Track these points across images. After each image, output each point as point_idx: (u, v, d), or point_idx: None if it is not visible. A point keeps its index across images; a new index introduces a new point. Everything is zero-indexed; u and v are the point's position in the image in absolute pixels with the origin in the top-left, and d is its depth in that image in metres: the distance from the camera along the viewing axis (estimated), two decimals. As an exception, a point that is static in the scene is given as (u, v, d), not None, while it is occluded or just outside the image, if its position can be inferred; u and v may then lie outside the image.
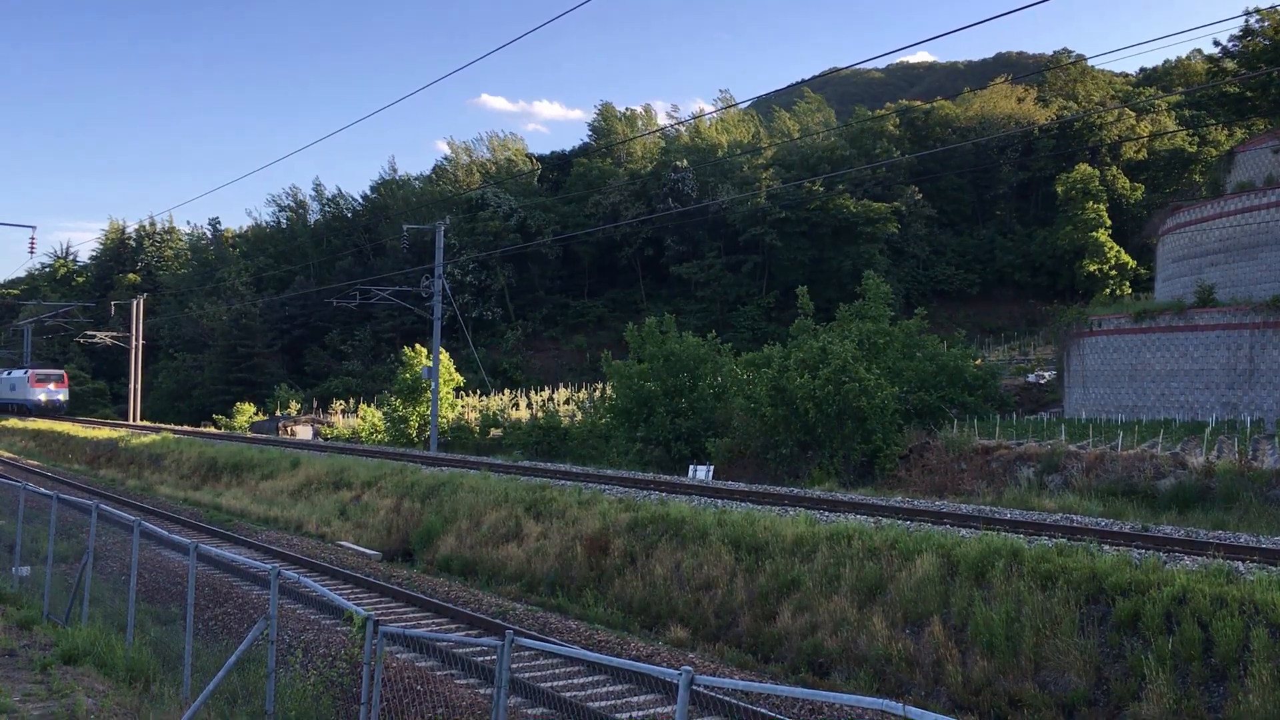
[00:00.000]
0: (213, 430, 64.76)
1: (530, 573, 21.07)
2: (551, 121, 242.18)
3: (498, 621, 16.87)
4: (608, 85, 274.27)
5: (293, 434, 59.68)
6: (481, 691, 13.13)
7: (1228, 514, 21.53)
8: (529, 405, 63.74)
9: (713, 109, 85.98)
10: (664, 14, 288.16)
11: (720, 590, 17.37)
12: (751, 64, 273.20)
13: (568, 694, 13.17)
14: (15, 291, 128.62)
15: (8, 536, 19.12)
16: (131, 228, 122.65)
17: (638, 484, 26.85)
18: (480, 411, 58.70)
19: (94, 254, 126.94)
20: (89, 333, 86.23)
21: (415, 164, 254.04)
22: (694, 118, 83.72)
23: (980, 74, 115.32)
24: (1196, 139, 75.67)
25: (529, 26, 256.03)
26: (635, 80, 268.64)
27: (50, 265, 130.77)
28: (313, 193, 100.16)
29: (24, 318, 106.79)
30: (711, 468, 34.09)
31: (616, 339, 66.37)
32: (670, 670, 6.38)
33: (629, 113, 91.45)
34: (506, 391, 69.36)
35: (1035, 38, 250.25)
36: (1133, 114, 76.88)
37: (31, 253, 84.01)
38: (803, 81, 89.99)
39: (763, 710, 12.32)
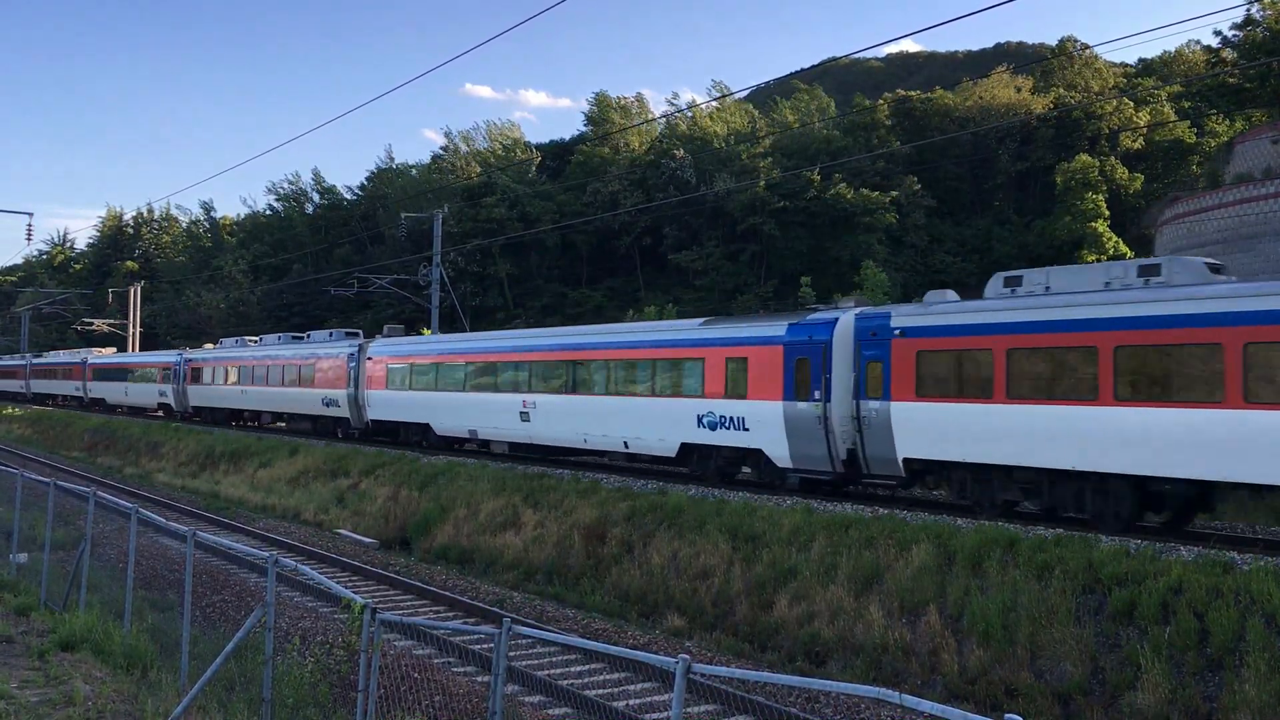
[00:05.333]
0: None
1: (528, 561, 21.10)
2: (539, 110, 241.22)
3: (495, 610, 16.91)
4: (596, 75, 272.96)
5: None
6: (479, 679, 13.15)
7: (1223, 504, 21.53)
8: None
9: (707, 99, 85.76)
10: (652, 3, 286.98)
11: (717, 579, 17.39)
12: (745, 55, 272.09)
13: (565, 682, 13.21)
14: (12, 279, 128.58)
15: (5, 523, 19.12)
16: (129, 215, 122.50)
17: (636, 473, 26.84)
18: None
19: (91, 241, 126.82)
20: (86, 320, 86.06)
21: (405, 153, 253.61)
22: (690, 106, 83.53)
23: (980, 64, 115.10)
24: (1195, 130, 75.60)
25: (515, 15, 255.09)
26: (624, 70, 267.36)
27: (47, 252, 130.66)
28: (311, 181, 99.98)
29: (21, 305, 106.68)
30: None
31: (614, 328, 66.13)
32: (667, 659, 6.39)
33: (621, 101, 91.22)
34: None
35: (1034, 28, 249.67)
36: (1131, 104, 76.74)
37: (29, 240, 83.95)
38: (800, 71, 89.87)
39: (759, 699, 12.36)
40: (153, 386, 54.47)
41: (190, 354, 52.08)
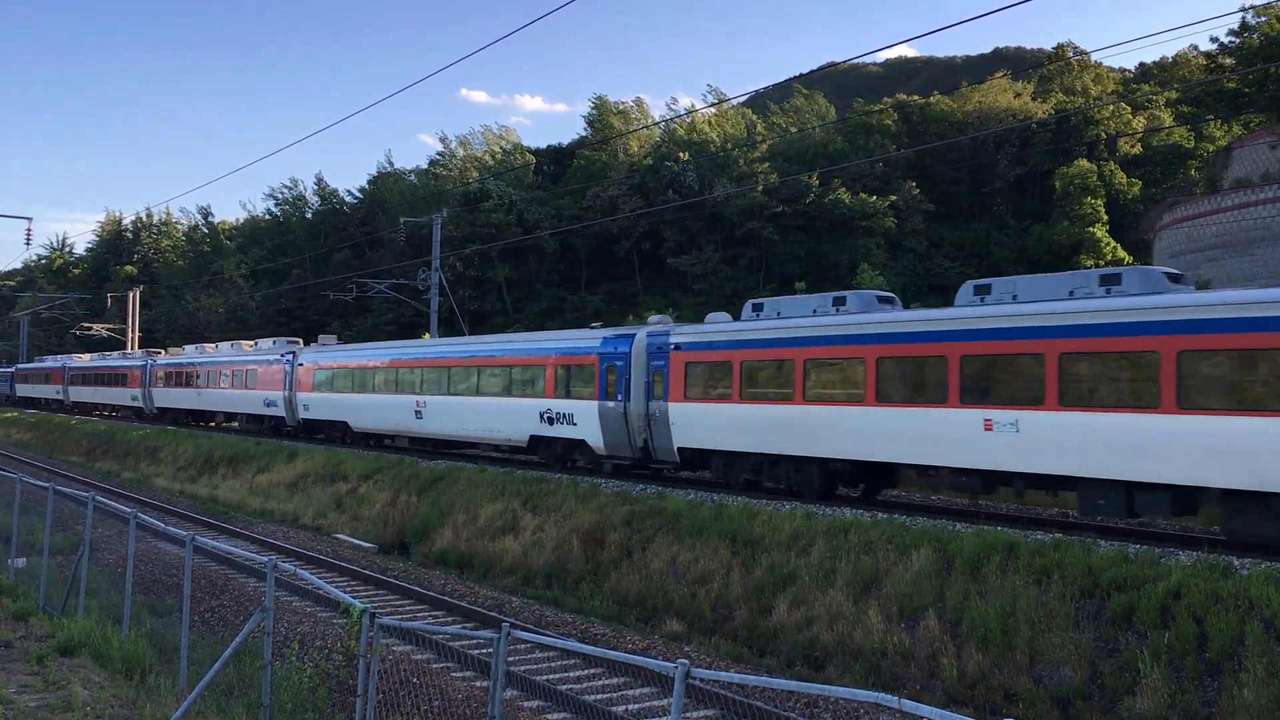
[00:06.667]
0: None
1: (526, 566, 21.08)
2: (534, 114, 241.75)
3: (494, 614, 16.90)
4: (592, 79, 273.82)
5: None
6: (478, 684, 13.15)
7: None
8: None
9: (705, 104, 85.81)
10: (647, 8, 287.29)
11: (717, 584, 17.38)
12: (742, 58, 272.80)
13: (564, 687, 13.20)
14: (11, 283, 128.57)
15: (3, 528, 19.10)
16: (128, 219, 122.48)
17: (635, 477, 26.83)
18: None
19: (90, 246, 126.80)
20: (85, 325, 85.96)
21: (401, 158, 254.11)
22: (689, 112, 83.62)
23: (978, 69, 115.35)
24: (1193, 134, 75.71)
25: (511, 19, 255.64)
26: (621, 75, 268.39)
27: (46, 257, 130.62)
28: (314, 186, 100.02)
29: (20, 309, 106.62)
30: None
31: (613, 332, 65.99)
32: (666, 663, 6.39)
33: (621, 105, 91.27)
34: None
35: (1033, 33, 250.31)
36: (1129, 109, 76.82)
37: (28, 244, 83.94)
38: (799, 76, 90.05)
39: (758, 703, 12.36)
40: (528, 404, 28.51)
41: (679, 329, 24.89)
